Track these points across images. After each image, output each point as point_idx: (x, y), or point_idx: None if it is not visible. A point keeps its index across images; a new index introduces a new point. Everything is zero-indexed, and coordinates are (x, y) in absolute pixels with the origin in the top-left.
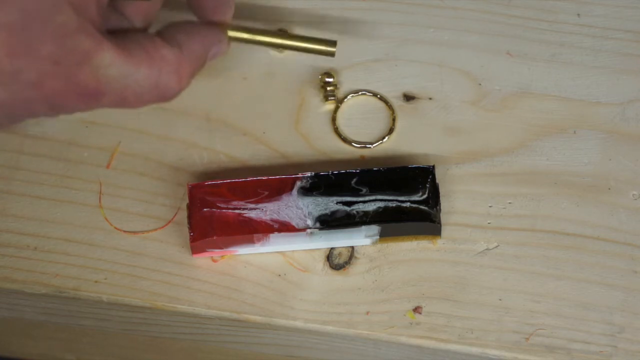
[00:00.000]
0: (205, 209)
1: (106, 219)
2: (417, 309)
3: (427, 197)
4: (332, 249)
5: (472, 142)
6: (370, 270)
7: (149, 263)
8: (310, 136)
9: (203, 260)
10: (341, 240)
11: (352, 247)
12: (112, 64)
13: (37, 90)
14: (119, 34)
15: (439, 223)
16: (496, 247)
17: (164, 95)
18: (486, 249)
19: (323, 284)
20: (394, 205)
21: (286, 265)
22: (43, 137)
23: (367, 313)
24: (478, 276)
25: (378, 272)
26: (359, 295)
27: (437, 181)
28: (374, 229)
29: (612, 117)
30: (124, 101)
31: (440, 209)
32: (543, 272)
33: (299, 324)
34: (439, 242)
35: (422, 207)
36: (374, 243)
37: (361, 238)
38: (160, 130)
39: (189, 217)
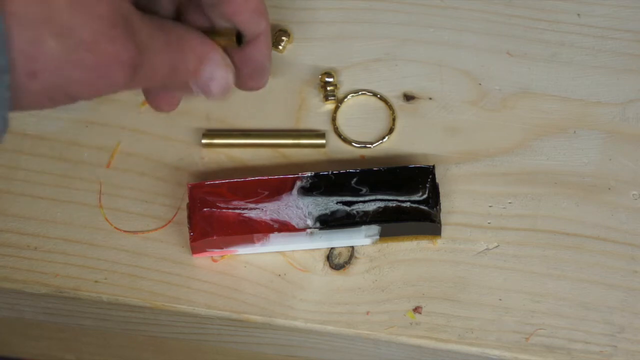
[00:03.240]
0: (205, 209)
1: (106, 219)
2: (417, 309)
3: (427, 197)
4: (332, 249)
5: (472, 142)
6: (370, 270)
7: (149, 263)
8: None
9: (203, 260)
10: (341, 240)
11: (352, 247)
12: (144, 29)
13: (87, 54)
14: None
15: (439, 223)
16: (496, 247)
17: (168, 75)
18: (486, 249)
19: (323, 284)
20: (394, 205)
21: (286, 265)
22: (43, 137)
23: (367, 313)
24: (478, 276)
25: (378, 272)
26: (359, 295)
27: (437, 181)
28: (374, 228)
29: (612, 117)
30: (153, 75)
31: (440, 209)
32: (543, 272)
33: (299, 324)
34: (439, 242)
35: (422, 206)
36: (374, 243)
37: (361, 238)
38: (160, 130)
39: (189, 217)
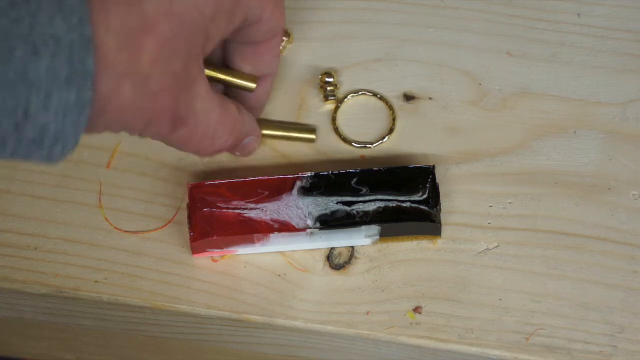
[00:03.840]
0: (205, 209)
1: (106, 219)
2: (417, 309)
3: (427, 197)
4: (332, 249)
5: (472, 142)
6: (370, 270)
7: (149, 263)
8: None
9: (203, 260)
10: (341, 240)
11: (352, 247)
12: (202, 97)
13: (151, 102)
14: None
15: (439, 223)
16: (496, 247)
17: (208, 147)
18: (486, 249)
19: (323, 284)
20: (394, 205)
21: (286, 265)
22: None
23: (367, 313)
24: (478, 276)
25: (378, 272)
26: (359, 295)
27: (437, 181)
28: (374, 228)
29: (612, 117)
30: (189, 139)
31: (440, 209)
32: (543, 272)
33: (299, 324)
34: (439, 242)
35: (422, 206)
36: (374, 243)
37: (361, 238)
38: None
39: (189, 217)
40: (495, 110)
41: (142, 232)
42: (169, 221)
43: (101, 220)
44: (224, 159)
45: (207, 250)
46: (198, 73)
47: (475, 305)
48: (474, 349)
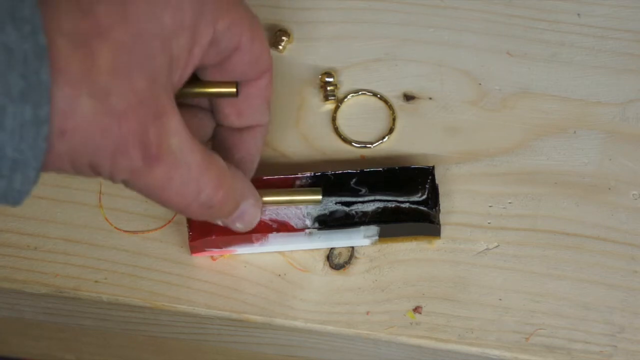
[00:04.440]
0: None
1: (106, 219)
2: (417, 309)
3: (426, 198)
4: (332, 248)
5: (472, 142)
6: (370, 270)
7: (149, 263)
8: (310, 136)
9: (203, 260)
10: (340, 240)
11: (352, 247)
12: (177, 133)
13: (116, 123)
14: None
15: (438, 224)
16: (496, 247)
17: (193, 200)
18: (486, 249)
19: (323, 284)
20: (393, 205)
21: (286, 265)
22: None
23: (367, 313)
24: (478, 276)
25: (378, 272)
26: (359, 295)
27: (437, 182)
28: (373, 229)
29: (612, 117)
30: (168, 183)
31: (439, 210)
32: (543, 272)
33: (299, 324)
34: (439, 242)
35: (421, 207)
36: (373, 243)
37: (360, 238)
38: None
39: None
40: (495, 110)
41: (142, 232)
42: (169, 221)
43: (101, 220)
44: None
45: (206, 249)
46: (168, 104)
47: (475, 305)
48: (474, 349)
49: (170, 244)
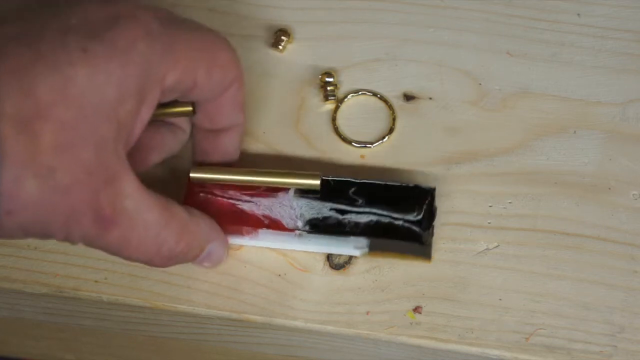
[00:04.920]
0: (201, 194)
1: None
2: (417, 309)
3: (421, 219)
4: None
5: (472, 142)
6: (370, 270)
7: None
8: (310, 136)
9: None
10: (329, 247)
11: None
12: (131, 195)
13: (63, 198)
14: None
15: (429, 245)
16: (496, 247)
17: (155, 254)
18: (486, 249)
19: (323, 284)
20: (386, 221)
21: (286, 265)
22: None
23: (367, 313)
24: (478, 276)
25: (378, 272)
26: (359, 295)
27: (436, 204)
28: (363, 241)
29: (612, 117)
30: (126, 243)
31: (433, 233)
32: (543, 272)
33: (299, 324)
34: (439, 242)
35: (414, 227)
36: (362, 255)
37: (350, 248)
38: None
39: (185, 198)
40: (495, 110)
41: None
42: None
43: None
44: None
45: None
46: (120, 168)
47: (475, 305)
48: (474, 349)
49: None
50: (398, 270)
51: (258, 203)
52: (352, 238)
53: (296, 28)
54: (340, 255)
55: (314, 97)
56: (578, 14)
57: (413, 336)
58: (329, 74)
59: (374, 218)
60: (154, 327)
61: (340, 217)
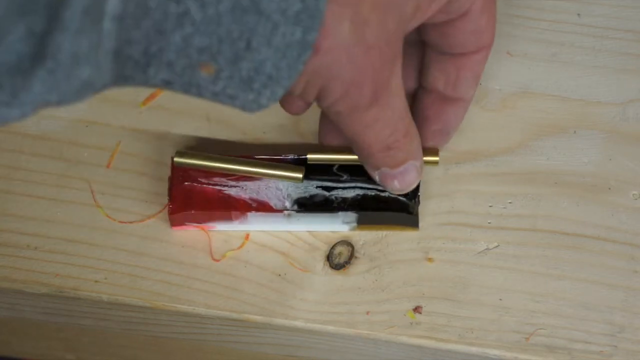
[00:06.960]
0: (186, 183)
1: (107, 215)
2: (417, 309)
3: None
4: (332, 248)
5: (472, 142)
6: (371, 270)
7: (149, 263)
8: (311, 136)
9: (203, 260)
10: (319, 224)
11: (352, 247)
12: (397, 79)
13: (362, 55)
14: None
15: (417, 215)
16: (496, 246)
17: (385, 138)
18: (486, 249)
19: (323, 283)
20: (373, 193)
21: (286, 265)
22: (43, 137)
23: (368, 313)
24: (478, 276)
25: (378, 272)
26: (359, 295)
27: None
28: (352, 215)
29: (612, 117)
30: (374, 123)
31: (419, 202)
32: (543, 272)
33: (299, 323)
34: (439, 242)
35: (400, 197)
36: (351, 229)
37: (339, 224)
38: (160, 129)
39: (170, 189)
40: (495, 110)
41: (142, 220)
42: (166, 205)
43: (101, 220)
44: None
45: (186, 223)
46: (400, 51)
47: (475, 305)
48: (474, 349)
49: (171, 243)
50: (398, 270)
51: (244, 187)
52: (340, 213)
53: None
54: (340, 255)
55: None
56: (578, 14)
57: (413, 336)
58: None
59: (360, 192)
60: (154, 327)
61: (327, 193)
